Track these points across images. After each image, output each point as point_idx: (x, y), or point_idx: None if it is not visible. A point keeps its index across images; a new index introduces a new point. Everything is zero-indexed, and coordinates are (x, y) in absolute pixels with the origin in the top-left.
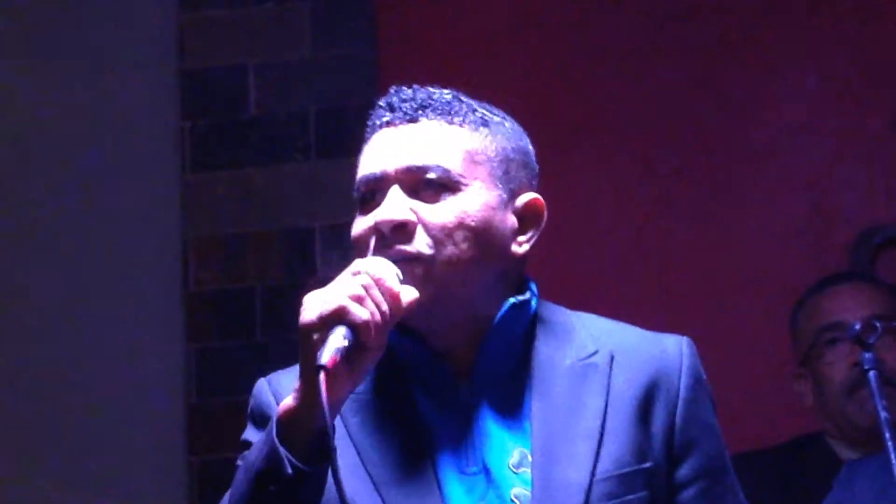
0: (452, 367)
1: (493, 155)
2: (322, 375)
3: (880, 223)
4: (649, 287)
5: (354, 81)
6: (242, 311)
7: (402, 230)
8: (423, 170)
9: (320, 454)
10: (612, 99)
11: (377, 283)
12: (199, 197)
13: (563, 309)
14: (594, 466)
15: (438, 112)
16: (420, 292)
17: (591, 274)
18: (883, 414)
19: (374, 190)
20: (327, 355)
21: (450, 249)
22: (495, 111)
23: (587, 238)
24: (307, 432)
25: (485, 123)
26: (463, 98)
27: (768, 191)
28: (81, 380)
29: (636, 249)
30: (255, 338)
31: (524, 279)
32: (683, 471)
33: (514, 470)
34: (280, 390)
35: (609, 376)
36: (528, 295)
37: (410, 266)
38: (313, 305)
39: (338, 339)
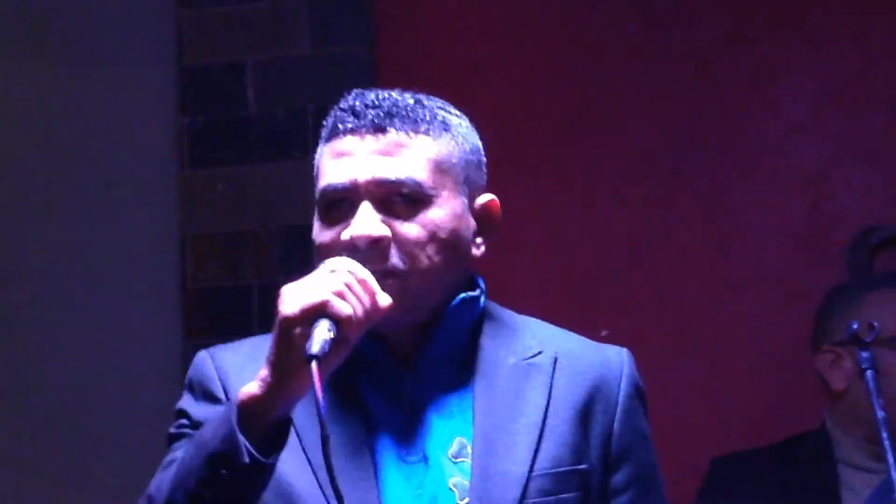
0: (397, 356)
1: (455, 161)
2: (314, 365)
3: (878, 223)
4: (648, 285)
5: (353, 79)
6: (240, 308)
7: (377, 245)
8: (395, 184)
9: (274, 445)
10: (611, 98)
11: (359, 281)
12: (196, 194)
13: (508, 310)
14: (532, 461)
15: (405, 121)
16: (394, 305)
17: (590, 272)
18: (880, 413)
19: (342, 199)
20: (317, 346)
21: (423, 263)
22: (452, 110)
23: (586, 237)
24: (267, 422)
25: (447, 128)
26: (425, 101)
27: (767, 190)
28: (78, 376)
29: (635, 248)
30: (252, 335)
31: (473, 276)
32: (619, 477)
33: (453, 459)
34: (223, 365)
35: (552, 377)
36: (477, 291)
37: (385, 281)
38: (294, 298)
39: (323, 331)
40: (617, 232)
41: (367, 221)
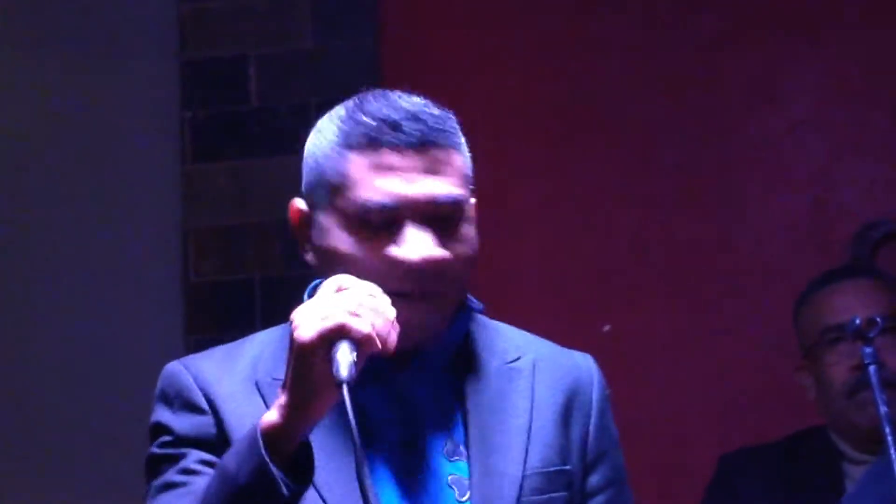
0: (392, 356)
1: (469, 172)
2: (346, 389)
3: (881, 218)
4: (652, 281)
5: (356, 73)
6: (241, 302)
7: (437, 267)
8: (443, 204)
9: (299, 472)
10: (615, 93)
11: (372, 299)
12: (199, 188)
13: (483, 315)
14: (525, 461)
15: (443, 135)
16: (430, 323)
17: (594, 268)
18: (883, 409)
19: (387, 218)
20: (345, 370)
21: (464, 279)
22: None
23: (589, 233)
24: (290, 449)
25: (461, 137)
26: (449, 114)
27: (770, 185)
28: (80, 371)
29: (638, 244)
30: (254, 329)
31: None
32: (594, 479)
33: (449, 458)
34: (201, 375)
35: (533, 381)
36: (470, 295)
37: (432, 301)
38: (309, 323)
39: (346, 354)
40: (621, 228)
41: (427, 243)
